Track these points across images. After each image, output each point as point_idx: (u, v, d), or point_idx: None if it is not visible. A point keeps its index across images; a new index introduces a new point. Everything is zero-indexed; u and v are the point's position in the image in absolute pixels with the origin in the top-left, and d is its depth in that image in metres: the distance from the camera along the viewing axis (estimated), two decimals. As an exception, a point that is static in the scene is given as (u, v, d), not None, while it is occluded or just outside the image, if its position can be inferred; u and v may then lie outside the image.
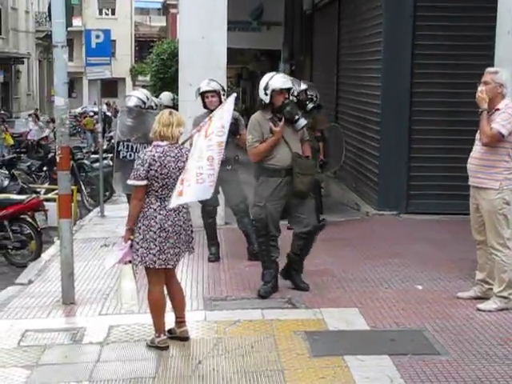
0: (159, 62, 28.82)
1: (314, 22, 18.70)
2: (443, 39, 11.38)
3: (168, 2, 53.62)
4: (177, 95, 11.75)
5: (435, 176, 11.52)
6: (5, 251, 10.94)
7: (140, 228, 6.00)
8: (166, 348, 6.14)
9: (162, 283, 6.20)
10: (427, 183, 11.55)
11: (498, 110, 6.84)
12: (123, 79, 60.62)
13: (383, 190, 11.77)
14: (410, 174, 11.66)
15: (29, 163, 18.40)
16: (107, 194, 14.88)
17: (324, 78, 16.80)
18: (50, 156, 17.00)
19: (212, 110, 8.50)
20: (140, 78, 58.59)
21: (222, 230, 10.09)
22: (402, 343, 6.20)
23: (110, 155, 14.56)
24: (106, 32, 13.36)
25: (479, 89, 6.90)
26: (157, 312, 6.19)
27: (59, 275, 7.82)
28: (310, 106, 10.33)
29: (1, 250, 10.96)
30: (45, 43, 49.05)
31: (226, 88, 9.37)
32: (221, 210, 9.94)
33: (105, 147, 16.86)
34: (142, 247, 6.00)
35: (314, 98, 10.61)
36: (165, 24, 61.91)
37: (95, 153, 17.60)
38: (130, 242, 6.04)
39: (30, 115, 33.57)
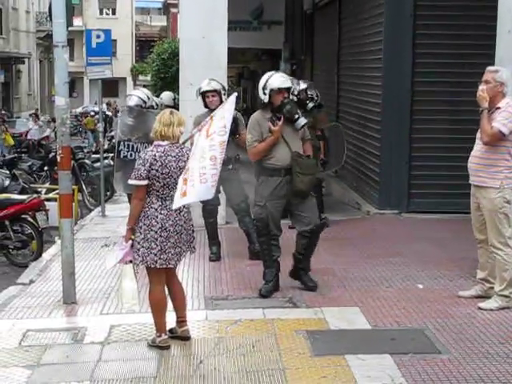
0: (160, 62, 28.83)
1: (315, 21, 18.70)
2: (444, 38, 11.38)
3: (168, 2, 53.60)
4: (177, 95, 11.75)
5: (436, 175, 11.52)
6: (6, 251, 10.95)
7: (141, 228, 6.00)
8: (167, 347, 6.14)
9: (163, 283, 6.20)
10: (428, 182, 11.55)
11: (498, 108, 6.84)
12: (124, 79, 60.66)
13: (384, 189, 11.78)
14: (410, 173, 11.66)
15: (30, 163, 18.39)
16: (108, 193, 14.88)
17: (325, 78, 16.80)
18: (50, 156, 17.00)
19: (213, 110, 8.53)
20: (141, 77, 58.65)
21: (222, 229, 10.09)
22: (403, 342, 6.20)
23: (111, 155, 14.58)
24: (107, 32, 13.36)
25: (480, 88, 6.90)
26: (158, 312, 6.19)
27: (60, 275, 7.82)
28: (311, 105, 10.33)
29: (2, 250, 10.96)
30: (45, 43, 49.09)
31: (226, 87, 9.38)
32: (222, 210, 9.94)
33: (106, 147, 16.89)
34: (143, 247, 6.01)
35: (315, 97, 10.61)
36: (165, 23, 61.95)
37: (96, 152, 17.60)
38: (130, 241, 6.04)
39: (30, 115, 33.59)
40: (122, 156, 9.32)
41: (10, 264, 10.90)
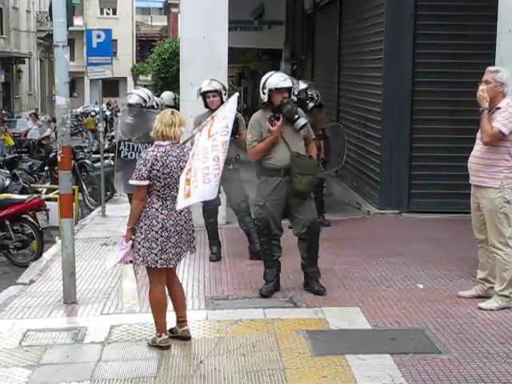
0: (160, 62, 28.85)
1: (316, 21, 18.70)
2: (444, 38, 11.38)
3: (169, 2, 53.59)
4: (178, 95, 11.75)
5: (436, 175, 11.52)
6: (6, 251, 10.95)
7: (142, 228, 6.00)
8: (168, 347, 6.15)
9: (163, 283, 6.20)
10: (428, 182, 11.55)
11: (498, 108, 6.84)
12: (124, 79, 60.67)
13: (384, 188, 11.78)
14: (411, 173, 11.66)
15: (30, 163, 18.39)
16: (108, 193, 14.89)
17: (325, 77, 16.81)
18: (51, 156, 17.01)
19: (213, 110, 8.54)
20: (141, 77, 58.70)
21: (223, 229, 10.10)
22: (403, 342, 6.21)
23: (112, 155, 14.58)
24: (107, 31, 13.37)
25: (480, 88, 6.90)
26: (158, 312, 6.19)
27: (60, 275, 7.82)
28: (311, 105, 10.33)
29: (2, 250, 10.96)
30: (46, 43, 49.14)
31: (227, 87, 9.38)
32: (222, 210, 9.95)
33: (106, 147, 16.89)
34: (143, 247, 6.01)
35: (315, 97, 10.62)
36: (166, 23, 61.99)
37: (96, 152, 17.60)
38: (131, 241, 6.04)
39: (30, 115, 33.60)
40: (122, 156, 9.33)
41: (11, 264, 10.90)
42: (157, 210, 6.00)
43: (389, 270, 8.48)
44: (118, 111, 34.64)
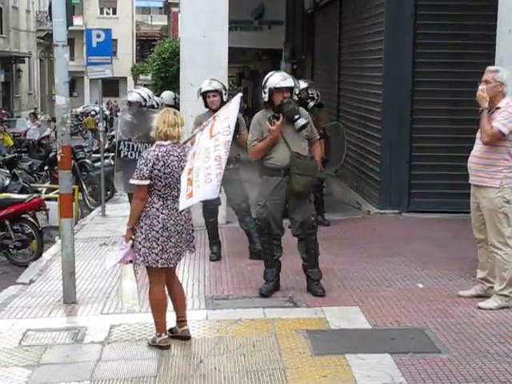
0: (160, 61, 28.84)
1: (316, 20, 18.70)
2: (444, 38, 11.39)
3: (169, 1, 53.59)
4: (178, 94, 11.75)
5: (436, 175, 11.52)
6: (6, 251, 10.95)
7: (142, 227, 6.00)
8: (168, 347, 6.15)
9: (163, 283, 6.20)
10: (428, 182, 11.55)
11: (498, 108, 6.84)
12: (124, 78, 60.66)
13: (384, 188, 11.78)
14: (411, 172, 11.67)
15: (30, 162, 18.39)
16: (108, 193, 14.89)
17: (325, 77, 16.80)
18: (51, 155, 17.00)
19: (213, 110, 8.56)
20: (141, 77, 58.68)
21: (223, 228, 10.10)
22: (403, 341, 6.21)
23: (112, 154, 14.58)
24: (107, 31, 13.37)
25: (480, 87, 6.90)
26: (158, 311, 6.19)
27: (60, 275, 7.82)
28: (311, 104, 10.33)
29: (2, 250, 10.96)
30: (46, 42, 49.15)
31: (227, 87, 9.38)
32: (222, 209, 9.95)
33: (106, 146, 16.89)
34: (144, 247, 6.00)
35: (315, 97, 10.63)
36: (166, 23, 61.98)
37: (96, 152, 17.60)
38: (131, 241, 6.04)
39: (30, 115, 33.61)
40: (122, 156, 9.32)
41: (10, 263, 10.90)
42: (157, 209, 6.00)
43: (388, 269, 8.49)
44: (118, 111, 34.61)
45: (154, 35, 62.89)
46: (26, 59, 48.12)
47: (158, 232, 5.99)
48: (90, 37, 13.21)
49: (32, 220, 10.94)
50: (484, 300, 7.07)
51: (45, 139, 26.33)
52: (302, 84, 10.20)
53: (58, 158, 7.61)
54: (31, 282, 8.65)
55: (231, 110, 6.16)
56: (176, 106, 11.07)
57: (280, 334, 6.43)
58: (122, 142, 9.35)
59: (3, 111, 36.57)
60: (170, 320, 6.33)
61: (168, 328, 6.28)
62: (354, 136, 13.26)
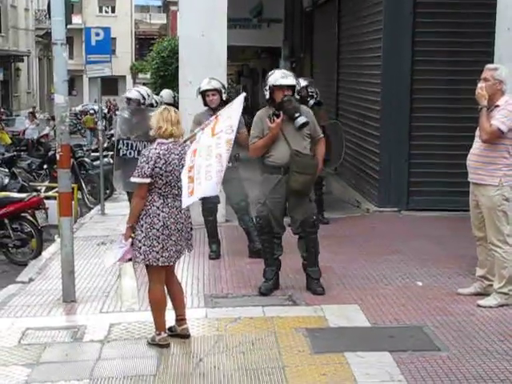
0: (159, 60, 28.80)
1: (314, 18, 18.71)
2: (443, 36, 11.39)
3: (168, 0, 53.56)
4: (177, 93, 11.75)
5: (435, 173, 11.52)
6: (5, 249, 10.94)
7: (142, 226, 6.00)
8: (167, 346, 6.15)
9: (162, 281, 6.20)
10: (427, 180, 11.55)
11: (497, 106, 6.85)
12: (123, 77, 60.65)
13: (383, 186, 11.78)
14: (410, 170, 11.67)
15: (29, 161, 18.39)
16: (108, 191, 14.89)
17: (324, 75, 16.81)
18: (50, 154, 17.00)
19: (212, 108, 8.58)
20: (140, 75, 58.62)
21: (222, 227, 10.10)
22: (402, 339, 6.21)
23: (111, 153, 14.57)
24: (106, 30, 13.35)
25: (479, 85, 6.90)
26: (158, 310, 6.19)
27: (60, 273, 7.82)
28: (312, 102, 10.31)
29: (1, 249, 10.95)
30: (45, 41, 49.08)
31: (226, 86, 9.38)
32: (221, 208, 9.95)
33: (105, 145, 16.88)
34: (144, 245, 6.00)
35: (314, 95, 10.62)
36: (165, 21, 61.91)
37: (96, 151, 17.59)
38: (130, 239, 6.04)
39: (29, 113, 33.59)
40: (121, 154, 9.33)
41: (10, 262, 10.90)
42: (158, 208, 6.00)
43: (388, 267, 8.49)
44: (117, 109, 34.60)
45: (153, 34, 62.80)
46: (25, 58, 48.08)
47: (158, 230, 5.99)
48: (88, 35, 13.20)
49: (31, 219, 10.93)
50: (483, 298, 7.08)
51: (44, 138, 26.31)
52: (302, 82, 10.18)
53: (57, 157, 7.60)
54: (30, 280, 8.65)
55: (235, 109, 6.18)
56: (175, 104, 11.07)
57: (279, 332, 6.43)
58: (121, 141, 9.36)
59: (2, 110, 36.53)
60: (169, 319, 6.33)
61: (167, 326, 6.29)
62: (353, 134, 13.27)
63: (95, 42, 13.06)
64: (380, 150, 11.81)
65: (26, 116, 33.71)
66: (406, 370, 5.54)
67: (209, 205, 8.99)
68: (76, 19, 48.73)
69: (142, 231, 6.00)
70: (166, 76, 27.37)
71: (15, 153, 19.49)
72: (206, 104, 8.91)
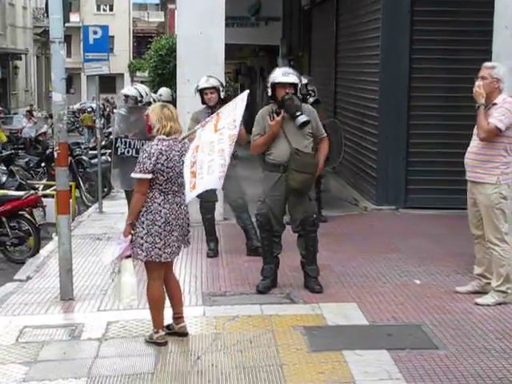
0: (157, 58, 28.74)
1: (313, 17, 18.69)
2: (441, 34, 11.39)
3: (166, -2, 53.50)
4: (175, 91, 11.74)
5: (433, 171, 11.53)
6: (3, 247, 10.94)
7: (143, 223, 5.98)
8: (165, 344, 6.14)
9: (162, 278, 6.19)
10: (425, 178, 11.56)
11: (495, 104, 6.85)
12: (121, 75, 60.59)
13: (381, 184, 11.79)
14: (408, 168, 11.68)
15: (27, 159, 18.39)
16: (105, 189, 14.88)
17: (322, 74, 16.80)
18: (48, 152, 17.01)
19: (210, 106, 8.58)
20: (138, 73, 58.52)
21: (220, 225, 10.09)
22: (400, 338, 6.21)
23: (109, 151, 14.57)
24: (104, 28, 13.36)
25: (476, 84, 6.90)
26: (156, 308, 6.18)
27: (57, 271, 7.82)
28: (311, 100, 10.30)
29: (-1, 247, 10.97)
30: (42, 39, 49.06)
31: (224, 84, 9.38)
32: (219, 206, 9.94)
33: (103, 143, 16.88)
34: (146, 242, 5.99)
35: (312, 93, 10.61)
36: (163, 19, 61.80)
37: (93, 149, 17.59)
38: (130, 236, 6.02)
39: (26, 112, 33.56)
40: (119, 153, 9.32)
41: (7, 260, 10.91)
42: (159, 204, 5.99)
43: (386, 265, 8.49)
44: (115, 107, 34.57)
45: (151, 32, 62.75)
46: (23, 56, 48.02)
47: (160, 227, 5.99)
48: (86, 33, 13.20)
49: (29, 217, 10.94)
50: (481, 296, 7.08)
51: (41, 136, 26.30)
52: (302, 80, 10.19)
53: (55, 155, 7.60)
54: (28, 278, 8.64)
55: (238, 105, 6.21)
56: (174, 102, 11.06)
57: (277, 330, 6.43)
58: (119, 139, 9.35)
59: (0, 108, 36.49)
60: (167, 317, 6.33)
61: (165, 324, 6.28)
62: (351, 132, 13.27)
63: (93, 40, 13.06)
64: (378, 148, 11.81)
65: (23, 114, 33.68)
66: (404, 368, 5.54)
67: (206, 203, 8.99)
68: (74, 17, 48.82)
69: (143, 228, 5.99)
70: (164, 74, 27.32)
71: (13, 151, 19.49)
72: (204, 102, 8.91)
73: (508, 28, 8.35)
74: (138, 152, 8.50)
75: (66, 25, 8.39)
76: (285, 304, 7.17)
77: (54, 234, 10.68)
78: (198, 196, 6.51)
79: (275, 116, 7.28)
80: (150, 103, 9.82)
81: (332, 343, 6.12)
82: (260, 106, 8.01)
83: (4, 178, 13.72)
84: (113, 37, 51.64)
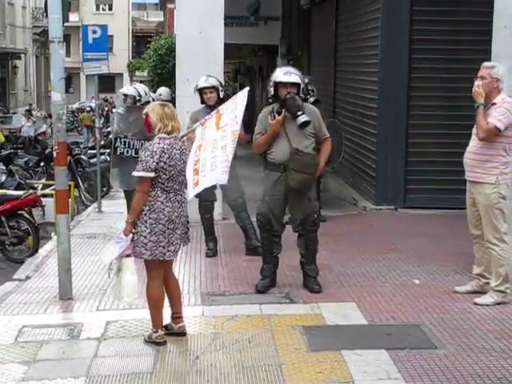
0: (156, 58, 28.74)
1: (312, 16, 18.69)
2: (440, 34, 11.39)
3: (165, -3, 53.48)
4: (174, 90, 11.74)
5: (432, 170, 11.53)
6: (2, 247, 10.94)
7: (146, 222, 5.97)
8: (164, 343, 6.14)
9: (161, 277, 6.19)
10: (424, 178, 11.56)
11: (494, 104, 6.85)
12: (121, 74, 60.55)
13: (380, 184, 11.79)
14: (407, 168, 11.68)
15: (26, 159, 18.39)
16: (104, 189, 14.88)
17: (321, 73, 16.79)
18: (47, 151, 17.00)
19: (210, 106, 8.58)
20: (137, 73, 58.51)
21: (219, 225, 10.08)
22: (399, 337, 6.21)
23: (108, 151, 14.57)
24: (103, 27, 13.37)
25: (476, 83, 6.90)
26: (155, 308, 6.17)
27: (56, 271, 7.81)
28: (311, 99, 10.29)
29: (-2, 246, 10.96)
30: (42, 39, 49.06)
31: (223, 83, 9.38)
32: (218, 206, 9.94)
33: (102, 143, 16.88)
34: (150, 241, 5.97)
35: (311, 93, 10.60)
36: (162, 19, 61.82)
37: (92, 148, 17.58)
38: (131, 235, 6.00)
39: (25, 112, 33.58)
40: (118, 153, 9.31)
41: (6, 260, 10.90)
42: (162, 203, 5.99)
43: (385, 265, 8.49)
44: (114, 107, 34.55)
45: (150, 31, 62.72)
46: (22, 55, 48.04)
47: (164, 225, 5.98)
48: (86, 33, 13.20)
49: (28, 216, 10.93)
50: (480, 296, 7.08)
51: (41, 135, 26.31)
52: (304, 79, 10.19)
53: (54, 154, 7.60)
54: (27, 278, 8.64)
55: (239, 102, 6.21)
56: (173, 101, 11.05)
57: (276, 329, 6.43)
58: (118, 139, 9.34)
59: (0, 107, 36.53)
60: (166, 316, 6.33)
61: (164, 324, 6.28)
62: (350, 132, 13.26)
63: (92, 39, 13.06)
64: (377, 147, 11.81)
65: (22, 114, 33.68)
66: (403, 368, 5.54)
67: (205, 203, 8.98)
68: (73, 17, 48.78)
69: (146, 227, 5.98)
70: (163, 74, 27.32)
71: (12, 150, 19.49)
72: (203, 101, 8.91)
73: (507, 28, 8.34)
74: (137, 152, 8.50)
75: (65, 24, 8.40)
76: (284, 304, 7.17)
77: (53, 234, 10.68)
78: (196, 195, 6.52)
79: (276, 115, 7.29)
80: (148, 102, 9.82)
81: (331, 343, 6.11)
82: (259, 106, 8.01)
83: (3, 178, 13.71)
84: (112, 36, 51.61)
